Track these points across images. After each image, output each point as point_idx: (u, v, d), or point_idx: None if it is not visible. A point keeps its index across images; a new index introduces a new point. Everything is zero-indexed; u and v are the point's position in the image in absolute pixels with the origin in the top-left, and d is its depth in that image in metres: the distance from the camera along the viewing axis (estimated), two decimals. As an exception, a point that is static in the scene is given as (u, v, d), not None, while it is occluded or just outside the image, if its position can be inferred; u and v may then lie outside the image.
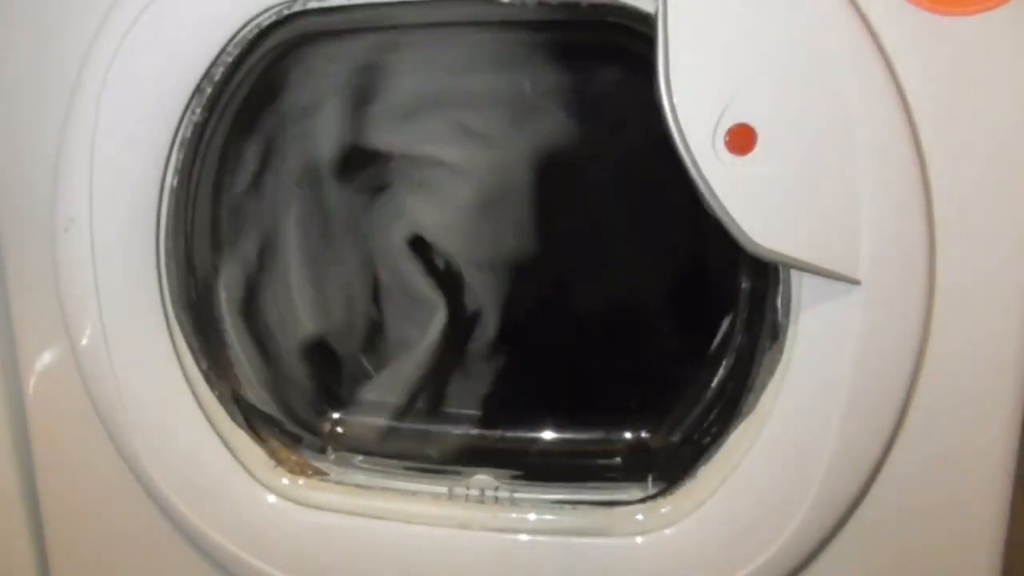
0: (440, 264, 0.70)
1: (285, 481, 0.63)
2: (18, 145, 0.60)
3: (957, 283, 0.51)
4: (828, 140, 0.48)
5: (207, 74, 0.56)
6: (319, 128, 0.67)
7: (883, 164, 0.48)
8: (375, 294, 0.73)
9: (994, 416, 0.53)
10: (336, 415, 0.73)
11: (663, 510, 0.58)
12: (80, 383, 0.61)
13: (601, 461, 0.70)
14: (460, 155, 0.66)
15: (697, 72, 0.48)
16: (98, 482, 0.65)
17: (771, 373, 0.54)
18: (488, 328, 0.70)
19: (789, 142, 0.48)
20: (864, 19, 0.48)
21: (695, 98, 0.48)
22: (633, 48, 0.53)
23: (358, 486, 0.64)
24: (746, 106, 0.48)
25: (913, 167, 0.49)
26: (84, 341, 0.60)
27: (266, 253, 0.70)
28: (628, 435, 0.71)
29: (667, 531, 0.56)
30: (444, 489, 0.63)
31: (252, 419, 0.65)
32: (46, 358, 0.64)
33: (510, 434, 0.71)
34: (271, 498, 0.61)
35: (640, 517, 0.58)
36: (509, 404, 0.72)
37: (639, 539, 0.57)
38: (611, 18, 0.53)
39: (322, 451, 0.68)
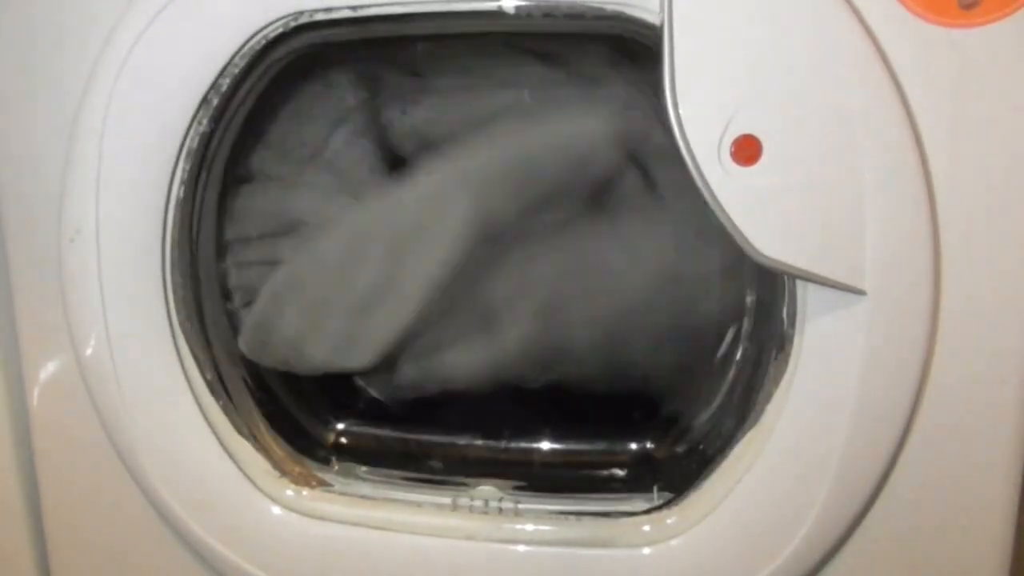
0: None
1: (289, 492, 0.62)
2: (25, 155, 0.60)
3: (963, 293, 0.51)
4: (833, 151, 0.48)
5: (214, 85, 0.56)
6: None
7: (888, 175, 0.48)
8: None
9: (1000, 426, 0.53)
10: (340, 426, 0.73)
11: (669, 521, 0.57)
12: (85, 393, 0.61)
13: (605, 472, 0.69)
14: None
15: (703, 83, 0.48)
16: (102, 493, 0.65)
17: (777, 383, 0.54)
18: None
19: (795, 153, 0.49)
20: (868, 31, 0.48)
21: (701, 108, 0.48)
22: (638, 59, 0.53)
23: (362, 497, 0.63)
24: (752, 117, 0.48)
25: (918, 177, 0.49)
26: (89, 351, 0.60)
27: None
28: (633, 446, 0.70)
29: (673, 542, 0.56)
30: (448, 500, 0.63)
31: (257, 429, 0.64)
32: (50, 368, 0.64)
33: (514, 445, 0.71)
34: (275, 509, 0.61)
35: (647, 528, 0.58)
36: (512, 414, 0.72)
37: (646, 550, 0.56)
38: (616, 30, 0.54)
39: (326, 462, 0.68)
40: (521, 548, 0.59)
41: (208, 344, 0.63)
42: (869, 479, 0.53)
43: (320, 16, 0.55)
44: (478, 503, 0.63)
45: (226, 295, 0.67)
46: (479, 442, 0.70)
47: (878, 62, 0.48)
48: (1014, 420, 0.53)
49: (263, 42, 0.56)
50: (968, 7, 0.47)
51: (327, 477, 0.65)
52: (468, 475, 0.66)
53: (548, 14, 0.53)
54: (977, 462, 0.54)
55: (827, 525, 0.54)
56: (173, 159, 0.58)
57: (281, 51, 0.57)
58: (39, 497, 0.67)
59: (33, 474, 0.67)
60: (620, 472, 0.69)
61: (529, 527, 0.60)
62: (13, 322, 0.64)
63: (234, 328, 0.67)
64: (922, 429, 0.53)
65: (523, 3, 0.53)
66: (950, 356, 0.52)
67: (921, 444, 0.53)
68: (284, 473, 0.63)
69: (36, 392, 0.65)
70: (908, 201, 0.49)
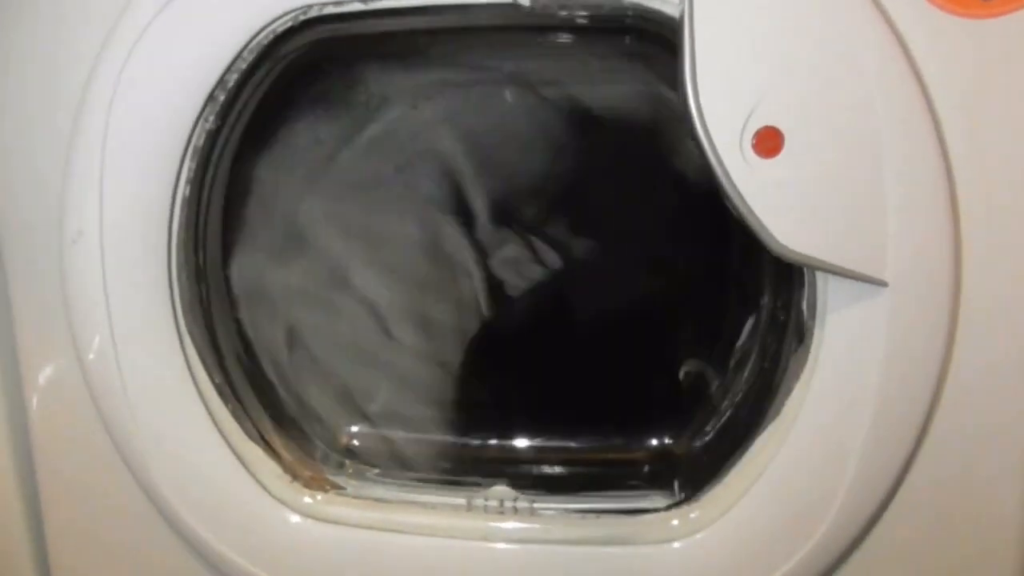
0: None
1: (302, 497, 0.61)
2: (26, 154, 0.58)
3: (984, 284, 0.51)
4: (855, 142, 0.48)
5: (221, 81, 0.55)
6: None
7: (909, 166, 0.49)
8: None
9: (1021, 416, 0.53)
10: (353, 428, 0.72)
11: (692, 516, 0.57)
12: (87, 398, 0.60)
13: (623, 469, 0.69)
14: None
15: (724, 74, 0.48)
16: (106, 501, 0.63)
17: (797, 376, 0.54)
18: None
19: (816, 144, 0.48)
20: (889, 22, 0.48)
21: (722, 100, 0.48)
22: (656, 51, 0.53)
23: (376, 500, 0.62)
24: (773, 109, 0.48)
25: (939, 169, 0.49)
26: (92, 355, 0.58)
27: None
28: (653, 442, 0.70)
29: (698, 536, 0.56)
30: (463, 501, 0.63)
31: (267, 433, 0.63)
32: (51, 372, 0.62)
33: (528, 443, 0.70)
34: (288, 514, 0.60)
35: (675, 523, 0.57)
36: (527, 412, 0.71)
37: (676, 544, 0.56)
38: (634, 22, 0.53)
39: (339, 465, 0.67)
40: (539, 548, 0.58)
41: (216, 347, 0.62)
42: (891, 470, 0.53)
43: (330, 10, 0.54)
44: (493, 503, 0.62)
45: (232, 297, 0.66)
46: (493, 441, 0.70)
47: (898, 53, 0.48)
48: (1035, 409, 0.53)
49: (271, 37, 0.55)
50: (988, -3, 0.47)
51: (340, 481, 0.64)
52: (482, 475, 0.66)
53: (564, 6, 0.53)
54: (998, 456, 0.54)
55: (849, 515, 0.53)
56: (179, 157, 0.56)
57: (290, 47, 0.56)
58: (40, 506, 0.66)
59: (33, 482, 0.65)
60: (639, 469, 0.69)
61: (546, 526, 0.59)
62: (11, 325, 0.62)
63: (241, 331, 0.66)
64: (943, 422, 0.53)
65: (539, -5, 0.52)
66: (971, 347, 0.52)
67: (942, 436, 0.53)
68: (296, 477, 0.62)
69: (36, 398, 0.63)
70: (929, 192, 0.49)
